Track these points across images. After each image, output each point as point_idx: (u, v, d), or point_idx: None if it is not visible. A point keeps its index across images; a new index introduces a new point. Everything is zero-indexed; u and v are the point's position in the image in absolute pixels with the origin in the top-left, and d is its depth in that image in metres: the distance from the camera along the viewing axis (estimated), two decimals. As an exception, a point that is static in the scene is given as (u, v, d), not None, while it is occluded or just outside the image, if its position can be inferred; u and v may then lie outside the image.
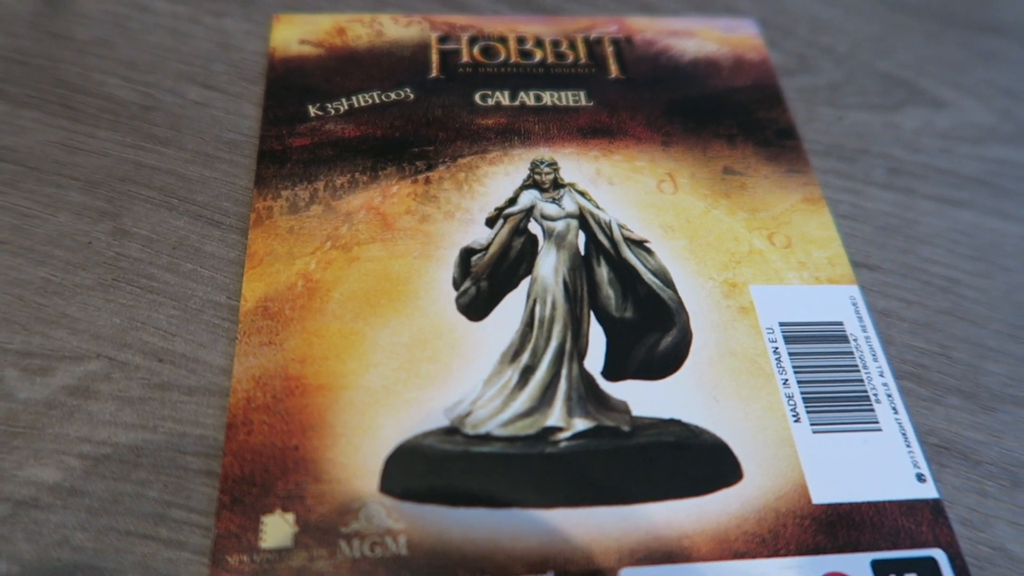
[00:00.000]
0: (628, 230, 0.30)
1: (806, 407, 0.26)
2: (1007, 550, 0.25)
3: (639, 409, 0.26)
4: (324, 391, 0.25)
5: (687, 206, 0.31)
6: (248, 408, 0.25)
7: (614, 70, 0.35)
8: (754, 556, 0.23)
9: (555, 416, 0.25)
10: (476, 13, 0.37)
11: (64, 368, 0.26)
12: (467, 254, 0.28)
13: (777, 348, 0.27)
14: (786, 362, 0.27)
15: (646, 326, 0.27)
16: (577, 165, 0.31)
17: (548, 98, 0.34)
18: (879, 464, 0.25)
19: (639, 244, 0.29)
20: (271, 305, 0.27)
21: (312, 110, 0.32)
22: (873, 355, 0.28)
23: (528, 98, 0.33)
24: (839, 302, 0.29)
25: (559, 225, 0.29)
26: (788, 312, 0.28)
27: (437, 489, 0.23)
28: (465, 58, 0.35)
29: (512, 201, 0.30)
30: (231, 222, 0.29)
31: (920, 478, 0.25)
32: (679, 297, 0.28)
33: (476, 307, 0.27)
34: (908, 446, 0.26)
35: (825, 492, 0.24)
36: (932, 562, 0.24)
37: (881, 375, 0.27)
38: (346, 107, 0.32)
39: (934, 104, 0.35)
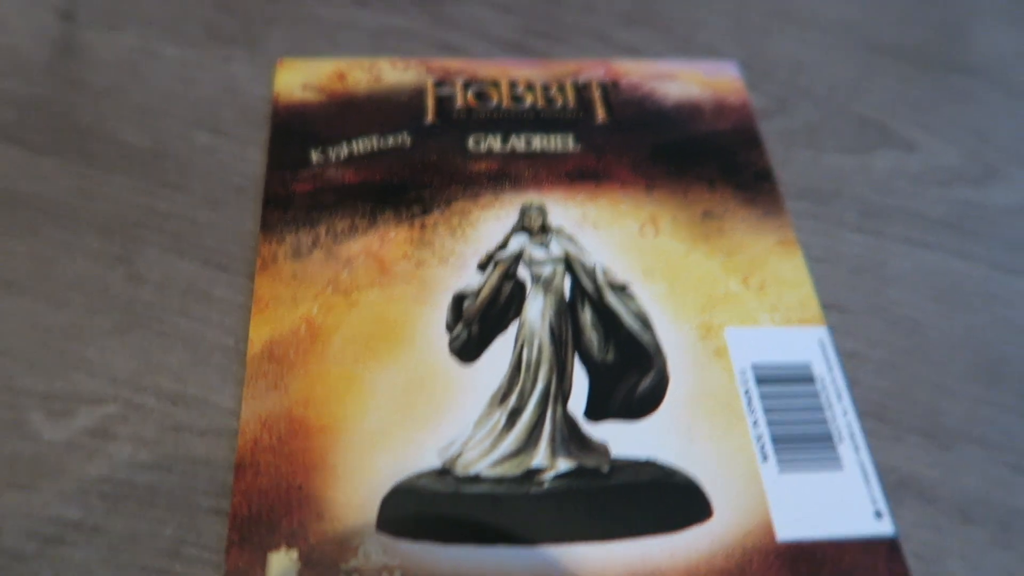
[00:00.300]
0: (611, 274, 0.31)
1: (774, 446, 0.28)
2: (957, 582, 0.27)
3: (617, 449, 0.28)
4: (325, 432, 0.27)
5: (668, 250, 0.33)
6: (255, 449, 0.27)
7: (601, 114, 0.37)
8: (721, 589, 0.25)
9: (540, 457, 0.27)
10: (470, 56, 0.39)
11: (84, 410, 0.28)
12: (459, 299, 0.30)
13: (748, 390, 0.29)
14: (756, 403, 0.29)
15: (626, 369, 0.29)
16: (564, 209, 0.33)
17: (538, 142, 0.35)
18: (839, 502, 0.27)
19: (621, 288, 0.31)
20: (276, 349, 0.29)
21: (314, 155, 0.34)
22: (838, 395, 0.30)
23: (519, 143, 0.35)
24: (808, 344, 0.31)
25: (546, 270, 0.31)
26: (760, 354, 0.30)
27: (430, 528, 0.25)
28: (459, 103, 0.36)
29: (502, 246, 0.32)
30: (238, 267, 0.31)
31: (878, 515, 0.27)
32: (657, 341, 0.30)
33: (467, 350, 0.29)
34: (868, 484, 0.28)
35: (789, 530, 0.26)
36: (886, 594, 0.26)
37: (845, 415, 0.29)
38: (347, 152, 0.34)
39: (906, 146, 0.37)
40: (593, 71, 0.38)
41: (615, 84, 0.38)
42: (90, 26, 0.38)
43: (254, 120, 0.36)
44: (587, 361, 0.29)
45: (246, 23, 0.39)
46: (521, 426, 0.28)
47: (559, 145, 0.35)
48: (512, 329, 0.30)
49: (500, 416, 0.28)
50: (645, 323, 0.30)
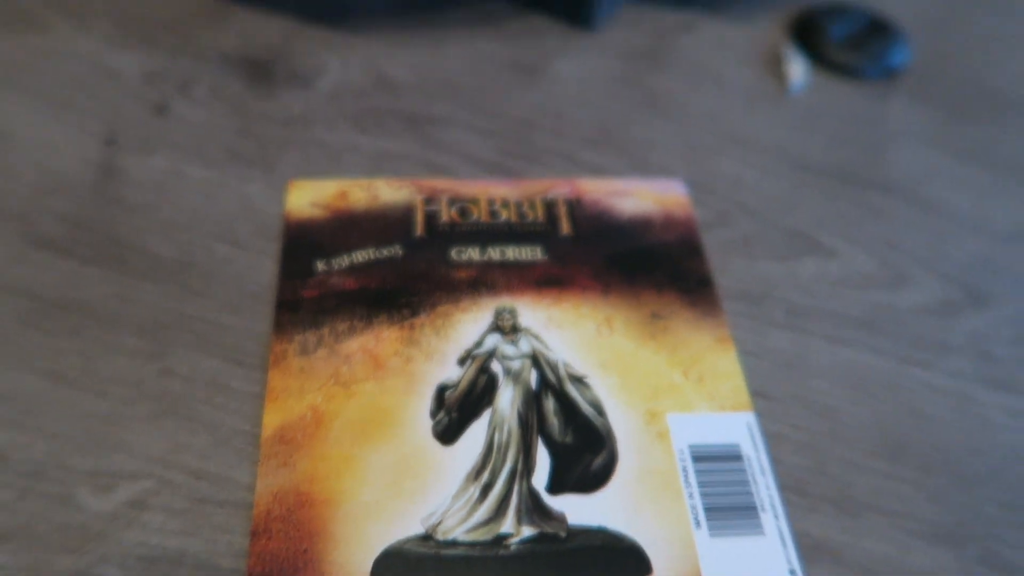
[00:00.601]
0: (571, 368, 0.37)
1: (706, 515, 0.33)
2: (860, 632, 0.31)
3: (574, 518, 0.33)
4: (327, 504, 0.32)
5: (620, 347, 0.38)
6: (268, 519, 0.32)
7: (566, 227, 0.43)
8: (658, 637, 0.30)
9: (508, 525, 0.32)
10: (455, 176, 0.45)
11: (124, 485, 0.33)
12: (442, 390, 0.36)
13: (686, 467, 0.35)
14: (692, 478, 0.34)
15: (582, 449, 0.35)
16: (532, 312, 0.39)
17: (511, 253, 0.41)
18: (761, 563, 0.32)
19: (580, 380, 0.37)
20: (286, 433, 0.34)
21: (320, 265, 0.40)
22: (763, 471, 0.35)
23: (495, 253, 0.41)
24: (738, 427, 0.36)
25: (516, 364, 0.37)
26: (696, 436, 0.36)
27: (414, 585, 0.30)
28: (444, 218, 0.43)
29: (479, 344, 0.37)
30: (253, 362, 0.37)
31: (793, 573, 0.32)
32: (609, 425, 0.35)
33: (448, 434, 0.35)
34: (785, 547, 0.33)
35: (715, 586, 0.31)
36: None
37: (768, 488, 0.34)
38: (347, 263, 0.40)
39: (828, 254, 0.43)
40: (560, 189, 0.45)
41: (579, 200, 0.44)
42: (128, 151, 0.44)
43: (268, 234, 0.42)
44: (549, 443, 0.35)
45: (262, 148, 0.45)
46: (492, 498, 0.33)
47: (529, 255, 0.41)
48: (486, 415, 0.35)
49: (474, 490, 0.33)
50: (599, 410, 0.36)
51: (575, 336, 0.38)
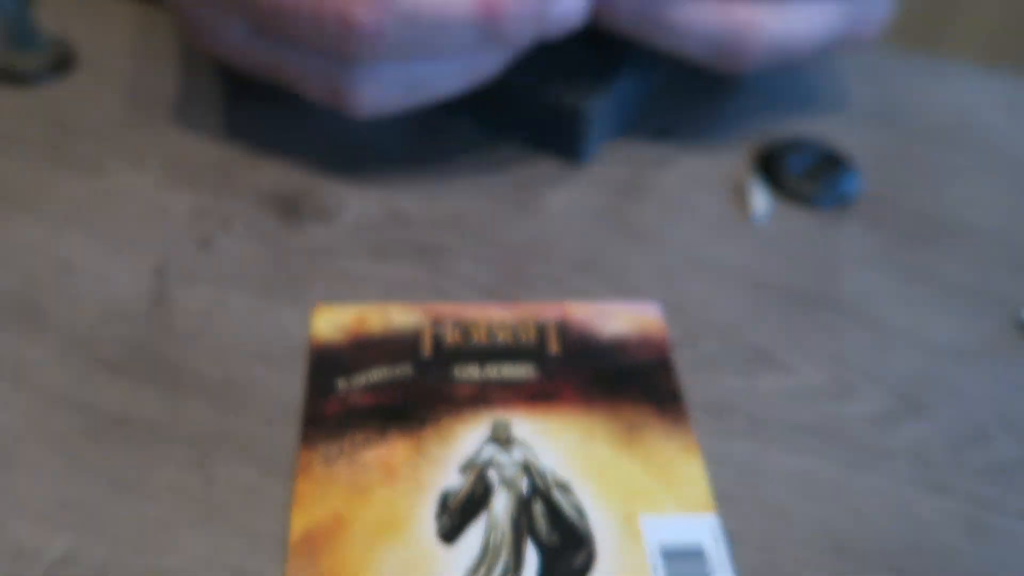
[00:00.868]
0: (557, 476, 0.43)
1: (672, 607, 0.39)
2: None
3: (558, 610, 0.38)
4: (347, 598, 0.38)
5: (600, 455, 0.44)
6: (297, 611, 0.37)
7: (555, 347, 0.49)
8: None
9: (500, 616, 0.38)
10: (459, 300, 0.52)
11: (175, 582, 0.38)
12: (445, 496, 0.42)
13: (656, 563, 0.40)
14: (661, 573, 0.40)
15: (565, 549, 0.40)
16: (524, 424, 0.45)
17: (507, 371, 0.48)
18: (718, 649, 0.38)
19: (564, 486, 0.43)
20: (311, 535, 0.40)
21: (341, 384, 0.46)
22: (723, 566, 0.40)
23: (492, 371, 0.48)
24: (702, 527, 0.42)
25: (509, 472, 0.43)
26: (665, 535, 0.41)
27: (420, 669, 0.36)
28: (449, 340, 0.49)
29: (477, 453, 0.43)
30: (283, 471, 0.43)
31: (746, 659, 0.37)
32: (590, 527, 0.41)
33: (450, 535, 0.40)
34: (740, 635, 0.38)
35: (678, 670, 0.37)
36: None
37: (726, 583, 0.40)
38: (364, 381, 0.47)
39: (784, 369, 0.49)
40: (550, 312, 0.51)
41: (566, 323, 0.51)
42: (177, 281, 0.51)
43: (296, 355, 0.48)
44: (537, 543, 0.40)
45: (292, 277, 0.52)
46: (487, 593, 0.38)
47: (523, 373, 0.48)
48: (483, 519, 0.41)
49: (473, 585, 0.39)
50: (581, 513, 0.42)
51: (561, 446, 0.44)
